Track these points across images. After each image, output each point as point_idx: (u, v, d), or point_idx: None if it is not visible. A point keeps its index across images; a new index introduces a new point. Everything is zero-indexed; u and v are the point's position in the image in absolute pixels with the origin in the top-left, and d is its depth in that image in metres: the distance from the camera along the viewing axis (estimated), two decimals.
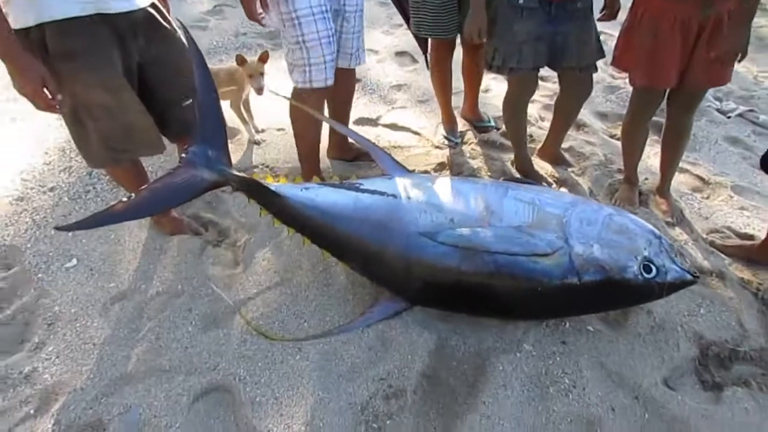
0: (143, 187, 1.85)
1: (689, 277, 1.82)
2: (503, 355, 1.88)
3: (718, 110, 3.73)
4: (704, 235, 2.55)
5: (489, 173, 2.82)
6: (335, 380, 1.80)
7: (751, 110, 3.72)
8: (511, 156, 2.97)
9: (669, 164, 2.63)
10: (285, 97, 2.39)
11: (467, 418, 1.69)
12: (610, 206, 1.98)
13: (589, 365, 1.88)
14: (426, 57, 3.08)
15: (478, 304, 1.90)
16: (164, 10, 2.09)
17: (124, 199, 1.81)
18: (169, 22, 2.09)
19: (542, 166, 2.93)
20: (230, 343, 1.93)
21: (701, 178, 3.00)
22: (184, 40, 2.09)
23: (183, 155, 1.90)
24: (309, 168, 2.63)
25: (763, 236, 2.44)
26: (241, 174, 1.98)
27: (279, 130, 3.23)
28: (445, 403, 1.76)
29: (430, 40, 2.93)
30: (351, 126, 3.15)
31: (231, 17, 4.98)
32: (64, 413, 1.73)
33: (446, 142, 3.14)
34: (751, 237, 2.57)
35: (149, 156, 2.28)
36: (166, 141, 2.20)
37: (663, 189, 2.69)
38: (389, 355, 1.87)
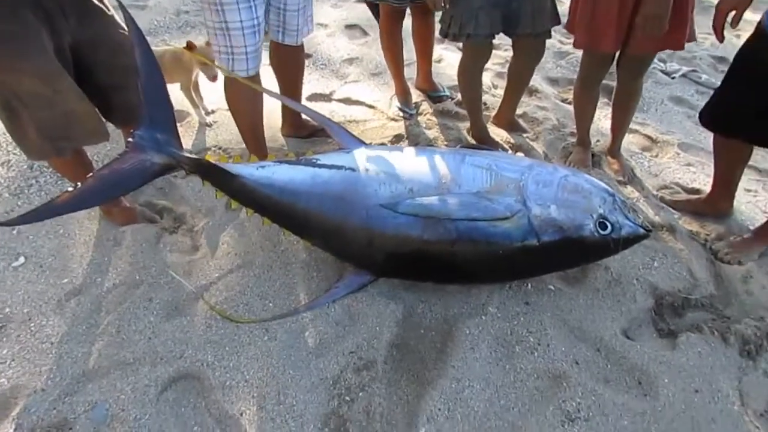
0: (89, 175, 1.77)
1: (642, 231, 1.88)
2: (469, 320, 1.91)
3: (662, 71, 3.84)
4: (654, 192, 2.64)
5: (446, 143, 2.83)
6: (305, 357, 1.79)
7: (693, 70, 3.84)
8: (467, 124, 2.99)
9: (619, 126, 2.70)
10: (230, 73, 2.32)
11: (438, 383, 1.72)
12: (565, 168, 2.02)
13: (552, 323, 1.93)
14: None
15: (443, 272, 1.92)
16: None
17: (70, 188, 1.73)
18: (101, 0, 1.99)
19: (498, 133, 2.96)
20: (195, 329, 1.89)
21: (650, 138, 3.09)
22: (118, 19, 1.99)
23: (129, 140, 1.83)
24: (253, 147, 2.55)
25: (708, 190, 2.54)
26: (194, 156, 1.92)
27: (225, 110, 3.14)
28: (415, 371, 1.78)
29: (380, 7, 2.89)
30: (304, 102, 3.10)
31: None
32: (25, 416, 1.66)
33: (401, 114, 3.12)
34: (697, 191, 2.68)
35: (93, 144, 2.19)
36: (111, 127, 2.12)
37: (614, 149, 2.76)
38: (357, 329, 1.87)
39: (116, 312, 1.97)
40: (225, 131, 3.04)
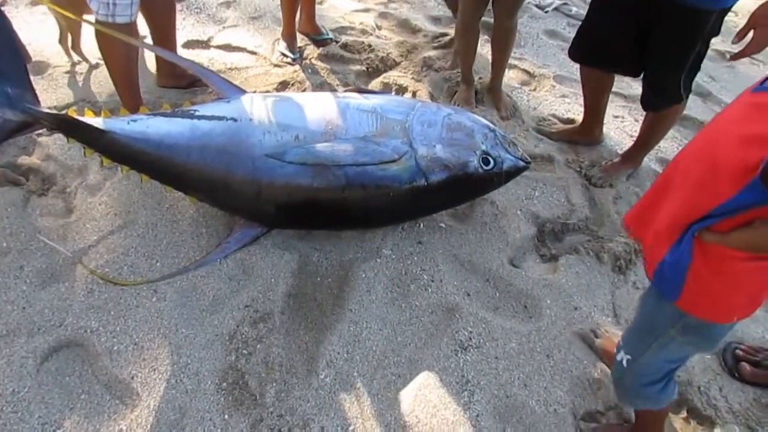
0: None
1: (522, 164, 1.97)
2: (365, 263, 1.94)
3: (536, 6, 3.96)
4: (533, 124, 2.76)
5: (333, 88, 2.77)
6: (198, 315, 1.74)
7: (564, 3, 3.99)
8: (354, 68, 2.95)
9: (499, 63, 2.77)
10: (88, 22, 2.11)
11: (336, 328, 1.74)
12: (448, 106, 2.05)
13: (444, 259, 2.01)
14: None
15: (335, 219, 1.92)
16: None
17: None
18: None
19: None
20: (75, 296, 1.77)
21: (528, 72, 3.21)
22: None
23: None
24: (128, 98, 2.36)
25: (581, 119, 2.71)
26: (53, 111, 1.75)
27: (98, 59, 2.88)
28: (313, 318, 1.79)
29: None
30: (180, 50, 2.90)
31: None
32: None
33: (284, 59, 3.01)
34: (572, 121, 2.85)
35: None
36: None
37: (495, 86, 2.84)
38: (252, 282, 1.84)
39: None
40: (93, 83, 2.78)
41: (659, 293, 1.15)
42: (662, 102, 2.26)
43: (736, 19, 4.05)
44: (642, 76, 2.27)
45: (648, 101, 2.30)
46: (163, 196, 2.11)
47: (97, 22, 2.09)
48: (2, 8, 2.09)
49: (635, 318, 1.35)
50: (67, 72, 2.84)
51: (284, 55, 3.01)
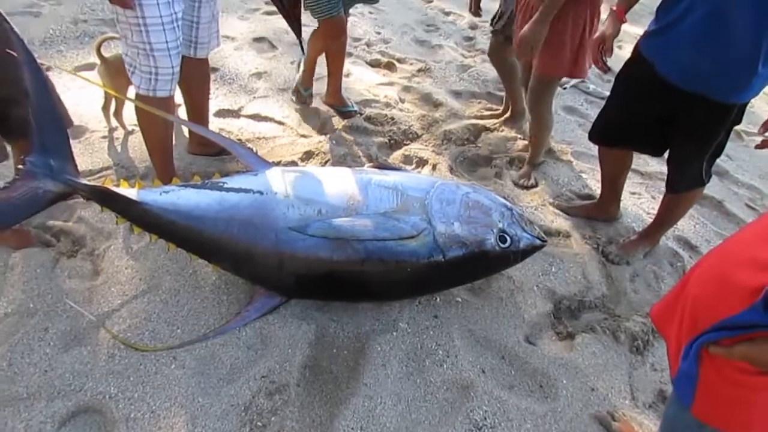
0: None
1: (538, 242, 2.01)
2: (381, 336, 1.95)
3: None
4: (551, 199, 2.81)
5: (355, 159, 2.86)
6: (215, 384, 1.76)
7: (582, 81, 4.12)
8: (377, 140, 3.07)
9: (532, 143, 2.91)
10: (129, 99, 2.25)
11: (351, 402, 1.74)
12: (466, 185, 2.12)
13: (460, 334, 2.01)
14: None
15: (353, 291, 1.96)
16: None
17: None
18: None
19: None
20: (96, 360, 1.81)
21: (548, 148, 3.29)
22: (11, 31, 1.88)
23: (20, 166, 1.72)
24: (162, 166, 2.48)
25: (598, 195, 2.75)
26: (90, 183, 1.84)
27: (132, 125, 3.03)
28: (328, 391, 1.80)
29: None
30: (212, 119, 3.04)
31: (67, 2, 4.47)
32: None
33: (294, 96, 3.38)
34: (589, 197, 2.89)
35: None
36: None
37: (530, 158, 2.98)
38: (269, 352, 1.87)
39: (7, 344, 1.84)
40: (128, 149, 2.91)
41: (679, 398, 1.16)
42: (686, 185, 2.31)
43: (753, 101, 4.14)
44: (667, 158, 2.33)
45: (673, 183, 2.34)
46: (187, 261, 2.17)
47: (138, 96, 2.23)
48: (47, 73, 2.23)
49: (662, 421, 1.35)
50: (104, 137, 2.98)
51: (297, 88, 3.35)
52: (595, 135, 2.48)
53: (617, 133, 2.39)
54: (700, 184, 2.28)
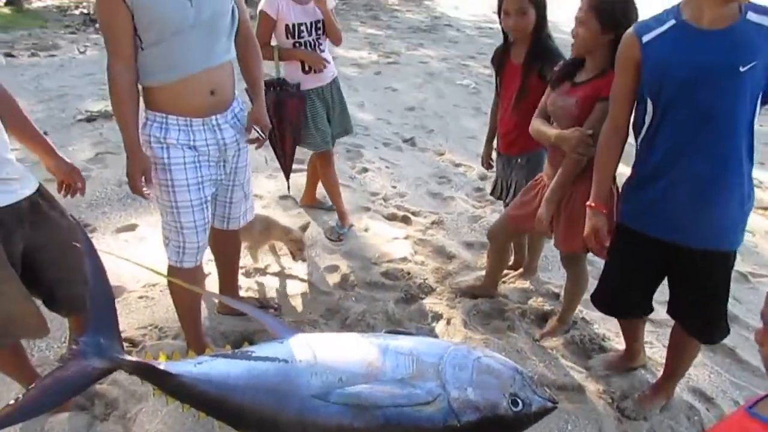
0: (32, 385, 1.81)
1: (550, 404, 2.09)
2: None
3: None
4: (563, 350, 2.90)
5: (374, 316, 3.03)
6: None
7: None
8: (393, 295, 3.26)
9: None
10: (160, 273, 2.49)
11: None
12: (477, 349, 2.25)
13: None
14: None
15: None
16: (50, 195, 2.17)
17: (12, 402, 1.76)
18: (55, 207, 2.17)
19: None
20: None
21: (555, 295, 3.43)
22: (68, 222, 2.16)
23: (74, 346, 1.91)
24: (192, 335, 2.69)
25: (612, 346, 2.83)
26: (134, 359, 2.01)
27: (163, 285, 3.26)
28: None
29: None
30: (240, 278, 3.27)
31: (113, 165, 4.86)
32: None
33: (331, 237, 3.91)
34: (604, 349, 2.96)
35: (32, 339, 2.25)
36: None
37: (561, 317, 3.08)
38: None
39: None
40: (161, 308, 3.13)
41: None
42: (721, 333, 2.35)
43: (753, 239, 4.30)
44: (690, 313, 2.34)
45: (704, 334, 2.36)
46: (214, 425, 2.27)
47: (168, 266, 2.48)
48: (91, 237, 2.48)
49: None
50: (140, 297, 3.22)
51: (334, 228, 4.00)
52: (600, 307, 2.59)
53: (616, 300, 2.50)
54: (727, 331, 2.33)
